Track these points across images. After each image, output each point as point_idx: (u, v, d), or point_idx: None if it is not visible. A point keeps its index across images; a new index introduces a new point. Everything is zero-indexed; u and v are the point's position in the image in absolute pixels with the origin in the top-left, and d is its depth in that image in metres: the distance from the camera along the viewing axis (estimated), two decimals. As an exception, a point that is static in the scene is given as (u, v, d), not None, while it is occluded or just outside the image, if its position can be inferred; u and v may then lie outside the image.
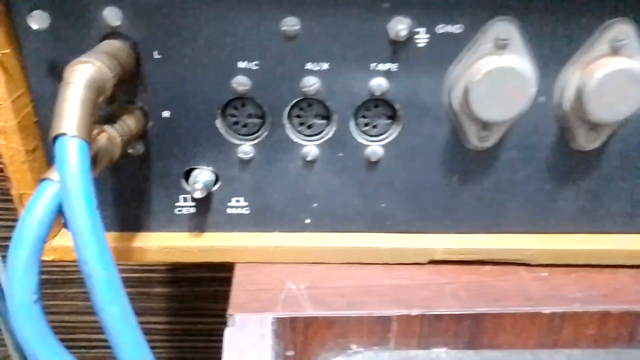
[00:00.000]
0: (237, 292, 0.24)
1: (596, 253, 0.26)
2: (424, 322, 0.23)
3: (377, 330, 0.23)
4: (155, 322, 0.69)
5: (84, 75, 0.17)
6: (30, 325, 0.15)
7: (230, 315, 0.22)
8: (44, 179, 0.17)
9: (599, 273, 0.26)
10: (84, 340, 0.67)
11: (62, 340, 0.16)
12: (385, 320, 0.23)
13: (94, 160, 0.18)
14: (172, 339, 0.69)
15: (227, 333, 0.22)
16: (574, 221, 0.26)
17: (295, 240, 0.26)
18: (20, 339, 0.16)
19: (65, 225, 0.25)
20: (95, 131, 0.19)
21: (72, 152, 0.16)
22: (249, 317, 0.22)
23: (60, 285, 0.61)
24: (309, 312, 0.22)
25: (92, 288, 0.15)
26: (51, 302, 0.61)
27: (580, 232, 0.26)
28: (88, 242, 0.15)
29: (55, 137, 0.16)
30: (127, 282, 0.71)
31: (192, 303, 0.65)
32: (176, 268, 0.64)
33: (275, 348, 0.22)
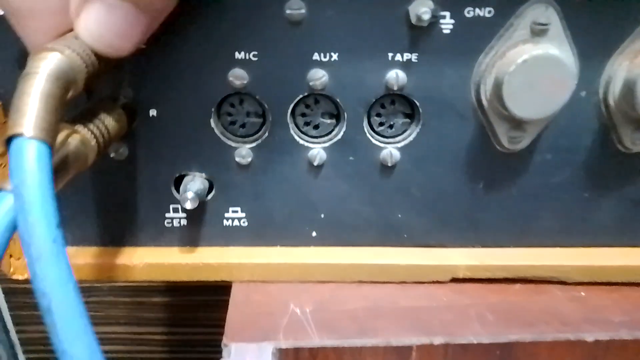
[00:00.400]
0: (234, 316, 0.21)
1: (640, 269, 0.23)
2: (447, 352, 0.20)
3: (395, 360, 0.20)
4: (153, 333, 0.67)
5: (49, 65, 0.14)
6: None
7: (225, 345, 0.19)
8: (-2, 189, 0.14)
9: (644, 292, 0.23)
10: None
11: None
12: (403, 351, 0.20)
13: (62, 166, 0.16)
14: (171, 349, 0.67)
15: (222, 366, 0.19)
16: (615, 234, 0.23)
17: (300, 256, 0.23)
18: None
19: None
20: (65, 132, 0.16)
21: (29, 156, 0.13)
22: (246, 348, 0.19)
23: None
24: (316, 341, 0.19)
25: (52, 326, 0.12)
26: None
27: (622, 246, 0.23)
28: (46, 268, 0.12)
29: (10, 138, 0.13)
30: (124, 291, 0.69)
31: (191, 313, 0.63)
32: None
33: (277, 382, 0.19)
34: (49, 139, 0.14)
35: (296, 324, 0.20)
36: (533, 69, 0.18)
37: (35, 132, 0.13)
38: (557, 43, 0.19)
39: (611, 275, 0.23)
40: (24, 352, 0.67)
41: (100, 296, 0.69)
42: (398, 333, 0.20)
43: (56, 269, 0.13)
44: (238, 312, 0.21)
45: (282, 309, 0.21)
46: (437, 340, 0.20)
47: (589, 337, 0.20)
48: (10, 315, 0.64)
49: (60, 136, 0.16)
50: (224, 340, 0.19)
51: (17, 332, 0.65)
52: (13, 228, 0.14)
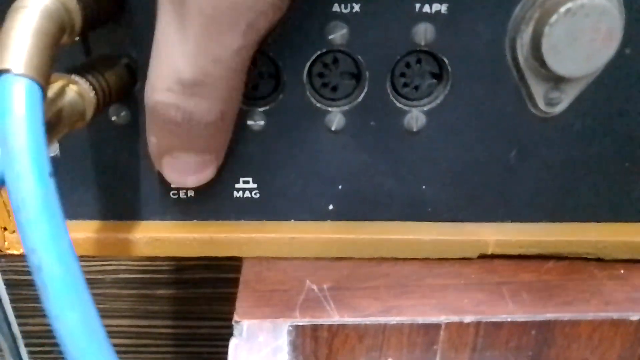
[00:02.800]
0: (245, 293, 0.19)
1: (686, 246, 0.21)
2: (479, 331, 0.18)
3: (420, 341, 0.18)
4: (159, 326, 0.66)
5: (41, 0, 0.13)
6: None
7: (236, 322, 0.17)
8: (-16, 139, 0.12)
9: (689, 271, 0.21)
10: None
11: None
12: (431, 329, 0.18)
13: (57, 120, 0.14)
14: (176, 343, 0.66)
15: (232, 345, 0.17)
16: (658, 207, 0.21)
17: (316, 231, 0.21)
18: None
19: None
20: (60, 82, 0.15)
21: (17, 95, 0.11)
22: (260, 325, 0.17)
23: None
24: (336, 318, 0.18)
25: (43, 287, 0.11)
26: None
27: (665, 221, 0.21)
28: (36, 221, 0.11)
29: (-5, 76, 0.12)
30: (130, 284, 0.67)
31: (197, 306, 0.62)
32: (181, 269, 0.61)
33: (293, 364, 0.17)
34: (40, 79, 0.12)
35: (313, 301, 0.19)
36: (577, 19, 0.17)
37: (25, 69, 0.12)
38: (603, -9, 0.17)
39: (653, 252, 0.21)
40: (26, 345, 0.66)
41: (104, 288, 0.68)
42: (424, 311, 0.18)
43: (48, 223, 0.11)
44: (249, 289, 0.19)
45: (297, 286, 0.19)
46: (468, 319, 0.18)
47: (634, 317, 0.18)
48: (12, 307, 0.63)
49: (55, 86, 0.14)
50: (235, 317, 0.18)
51: (19, 324, 0.64)
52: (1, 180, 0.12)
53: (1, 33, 0.12)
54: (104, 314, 0.70)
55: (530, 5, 0.17)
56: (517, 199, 0.21)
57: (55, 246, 0.11)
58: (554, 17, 0.17)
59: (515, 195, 0.21)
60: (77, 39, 0.15)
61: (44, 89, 0.12)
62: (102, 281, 0.68)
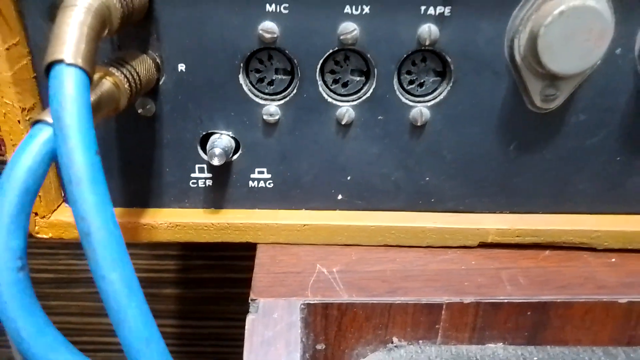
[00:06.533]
0: (260, 275, 0.20)
1: (675, 236, 0.22)
2: (478, 311, 0.19)
3: (423, 320, 0.20)
4: (164, 325, 0.67)
5: None
6: (13, 297, 0.12)
7: (253, 300, 0.19)
8: (36, 122, 0.14)
9: (678, 259, 0.22)
10: (91, 343, 0.64)
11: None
12: (433, 309, 0.19)
13: (96, 105, 0.15)
14: (181, 342, 0.66)
15: (249, 321, 0.18)
16: (648, 199, 0.22)
17: (326, 219, 0.22)
18: (1, 313, 0.12)
19: (61, 184, 0.22)
20: (99, 73, 0.16)
21: (69, 82, 0.13)
22: (275, 303, 0.19)
23: (65, 284, 0.59)
24: (345, 298, 0.19)
25: (91, 250, 0.12)
26: (56, 303, 0.58)
27: (656, 213, 0.23)
28: (86, 192, 0.12)
29: (50, 65, 0.13)
30: (135, 283, 0.68)
31: (202, 305, 0.62)
32: (187, 268, 0.62)
33: (304, 340, 0.18)
34: (88, 68, 0.13)
35: (324, 282, 0.20)
36: (570, 20, 0.18)
37: (76, 59, 0.13)
38: (594, -4, 0.19)
39: (644, 242, 0.22)
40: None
41: (112, 288, 0.69)
42: (428, 293, 0.20)
43: (95, 194, 0.12)
44: (264, 271, 0.21)
45: (309, 269, 0.21)
46: (468, 299, 0.19)
47: (623, 299, 0.20)
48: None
49: (95, 76, 0.16)
50: (252, 295, 0.19)
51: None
52: (51, 158, 0.13)
53: (55, 27, 0.14)
54: (111, 313, 0.71)
55: (527, 8, 0.19)
56: (517, 190, 0.22)
57: (101, 215, 0.12)
58: (549, 19, 0.18)
59: (515, 187, 0.22)
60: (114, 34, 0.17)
61: (90, 77, 0.14)
62: (110, 280, 0.69)
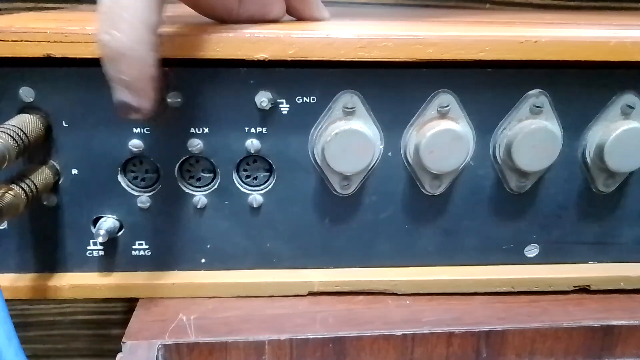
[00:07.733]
0: (134, 323, 0.27)
1: (453, 282, 0.30)
2: (292, 345, 0.27)
3: (253, 353, 0.27)
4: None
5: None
6: None
7: (123, 342, 0.26)
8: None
9: (455, 299, 0.30)
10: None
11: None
12: (259, 345, 0.26)
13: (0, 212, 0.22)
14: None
15: (118, 358, 0.25)
16: (433, 255, 0.30)
17: (192, 277, 0.29)
18: None
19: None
20: (2, 189, 0.23)
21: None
22: (139, 344, 0.26)
23: (20, 329, 0.63)
24: (192, 338, 0.26)
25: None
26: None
27: (439, 265, 0.31)
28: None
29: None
30: (86, 324, 0.74)
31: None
32: (133, 309, 0.66)
33: (165, 372, 0.25)
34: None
35: (181, 328, 0.27)
36: (344, 139, 0.26)
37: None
38: (363, 120, 0.27)
39: (431, 287, 0.30)
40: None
41: (63, 329, 0.74)
42: (256, 332, 0.27)
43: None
44: (138, 320, 0.28)
45: (172, 318, 0.28)
46: (284, 337, 0.27)
47: (399, 332, 0.27)
48: None
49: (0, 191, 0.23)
50: (123, 339, 0.26)
51: None
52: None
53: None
54: (63, 353, 0.75)
55: (319, 129, 0.27)
56: (334, 251, 0.30)
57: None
58: (329, 138, 0.26)
59: (333, 248, 0.30)
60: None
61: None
62: (62, 322, 0.74)
